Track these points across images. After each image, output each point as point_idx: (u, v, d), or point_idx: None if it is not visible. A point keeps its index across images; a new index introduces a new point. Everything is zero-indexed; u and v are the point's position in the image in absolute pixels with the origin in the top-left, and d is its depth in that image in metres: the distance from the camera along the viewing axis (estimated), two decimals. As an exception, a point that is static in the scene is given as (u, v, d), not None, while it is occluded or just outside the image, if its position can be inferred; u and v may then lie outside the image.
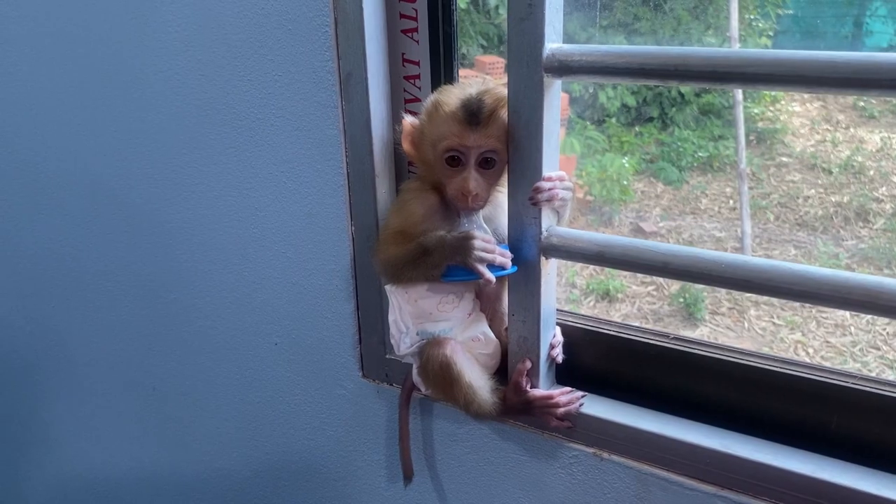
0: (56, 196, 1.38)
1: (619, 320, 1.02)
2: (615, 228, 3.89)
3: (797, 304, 3.28)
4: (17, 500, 1.90)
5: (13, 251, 1.51)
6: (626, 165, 4.07)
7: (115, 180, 1.28)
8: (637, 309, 3.42)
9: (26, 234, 1.47)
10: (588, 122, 4.30)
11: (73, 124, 1.28)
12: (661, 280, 3.53)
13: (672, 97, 4.39)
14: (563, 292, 3.50)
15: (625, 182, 4.00)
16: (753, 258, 0.78)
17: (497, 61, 4.18)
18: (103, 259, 1.38)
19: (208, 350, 1.32)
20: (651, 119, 4.44)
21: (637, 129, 4.43)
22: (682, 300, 3.37)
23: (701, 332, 3.23)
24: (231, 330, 1.27)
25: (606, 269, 3.59)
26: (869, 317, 3.17)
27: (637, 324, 1.01)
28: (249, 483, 1.40)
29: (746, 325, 3.27)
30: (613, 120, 4.36)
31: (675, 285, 3.46)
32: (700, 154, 4.23)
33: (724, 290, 3.39)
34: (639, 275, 3.55)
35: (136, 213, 1.29)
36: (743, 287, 0.79)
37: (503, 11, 4.22)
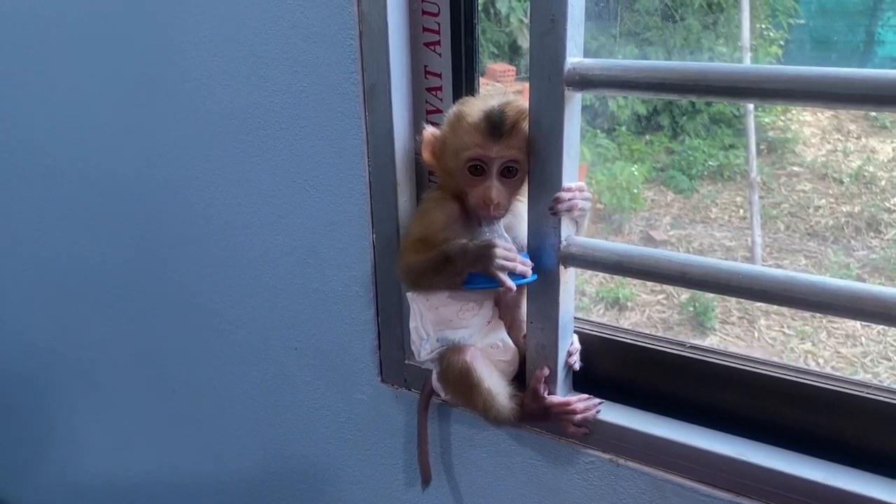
0: (81, 202, 1.40)
1: (628, 328, 1.03)
2: (625, 236, 3.89)
3: (808, 314, 3.27)
4: (38, 501, 1.92)
5: (38, 255, 1.54)
6: (637, 174, 4.07)
7: (140, 187, 1.30)
8: (647, 317, 3.42)
9: (51, 239, 1.50)
10: (598, 131, 4.30)
11: (100, 131, 1.31)
12: (670, 288, 3.53)
13: (683, 106, 4.39)
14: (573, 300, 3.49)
15: (635, 190, 4.00)
16: (770, 269, 0.80)
17: (508, 69, 4.20)
18: (127, 264, 1.40)
19: (229, 354, 1.34)
20: (661, 127, 4.43)
21: (647, 137, 4.43)
22: (692, 309, 3.37)
23: (711, 341, 3.22)
24: (252, 334, 1.29)
25: (616, 278, 3.60)
26: (880, 327, 3.17)
27: (649, 332, 1.02)
28: (267, 485, 1.41)
29: (756, 334, 3.27)
30: (624, 128, 4.36)
31: (684, 294, 3.46)
32: (710, 163, 4.23)
33: (734, 299, 3.39)
34: (648, 283, 3.55)
35: (160, 218, 1.31)
36: (760, 297, 0.80)
37: (514, 20, 4.24)
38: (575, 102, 0.85)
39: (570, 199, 0.86)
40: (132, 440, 1.61)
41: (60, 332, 1.60)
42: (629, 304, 3.48)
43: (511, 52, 4.38)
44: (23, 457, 1.88)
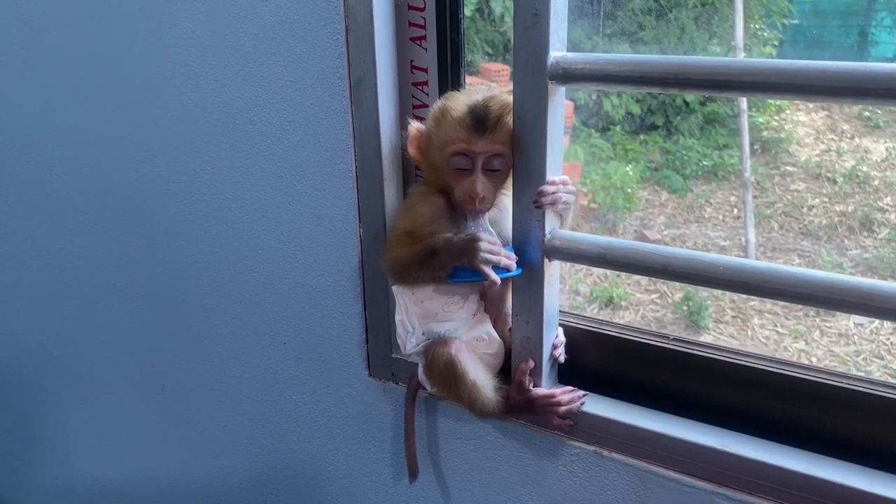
0: (69, 199, 1.41)
1: (613, 321, 1.04)
2: (619, 236, 3.90)
3: (801, 313, 3.29)
4: (28, 499, 1.92)
5: (26, 254, 1.54)
6: (631, 173, 4.08)
7: (128, 183, 1.31)
8: (641, 317, 3.43)
9: (39, 237, 1.50)
10: (593, 130, 4.32)
11: (87, 128, 1.31)
12: (664, 288, 3.54)
13: (677, 106, 4.40)
14: (567, 299, 3.51)
15: (629, 190, 4.01)
16: (751, 261, 0.80)
17: (502, 69, 4.21)
18: (114, 260, 1.41)
19: (217, 349, 1.34)
20: (656, 127, 4.45)
21: (642, 137, 4.44)
22: (685, 308, 3.38)
23: (704, 340, 3.23)
24: (240, 330, 1.29)
25: (610, 277, 3.61)
26: (873, 326, 3.18)
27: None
28: (257, 480, 1.42)
29: (750, 333, 3.28)
30: (618, 128, 4.37)
31: (678, 293, 3.47)
32: (705, 163, 4.25)
33: (727, 298, 3.40)
34: (643, 282, 3.56)
35: (147, 214, 1.31)
36: (741, 289, 0.81)
37: (508, 20, 4.25)
38: (558, 96, 0.86)
39: (553, 193, 0.87)
40: (122, 437, 1.61)
41: (50, 329, 1.60)
42: (623, 303, 3.49)
43: (505, 52, 4.39)
44: (12, 455, 1.88)
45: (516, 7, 0.83)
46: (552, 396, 0.96)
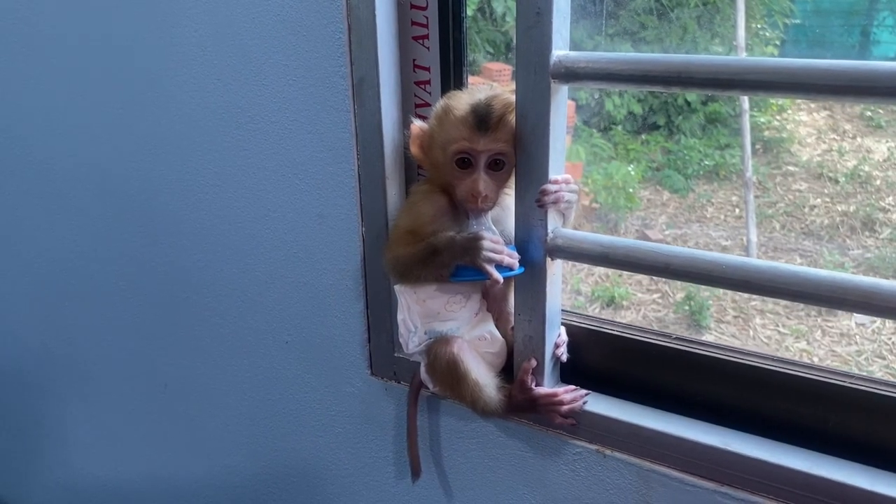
0: (71, 198, 1.41)
1: (615, 321, 1.04)
2: (621, 236, 3.90)
3: (802, 313, 3.29)
4: (30, 498, 1.92)
5: (28, 252, 1.54)
6: (632, 173, 4.08)
7: (131, 182, 1.31)
8: (642, 317, 3.43)
9: (41, 236, 1.50)
10: (594, 130, 4.32)
11: (89, 127, 1.31)
12: (666, 287, 3.54)
13: (678, 105, 4.40)
14: (569, 299, 3.51)
15: (630, 190, 4.01)
16: (752, 260, 0.80)
17: (504, 69, 4.21)
18: (116, 260, 1.41)
19: (219, 348, 1.34)
20: (657, 127, 4.45)
21: (643, 137, 4.44)
22: (687, 308, 3.38)
23: (706, 340, 3.22)
24: (242, 328, 1.29)
25: (612, 277, 3.61)
26: (874, 326, 3.18)
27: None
28: (259, 479, 1.42)
29: (752, 332, 3.27)
30: (620, 128, 4.37)
31: (680, 293, 3.47)
32: (706, 162, 4.25)
33: (729, 298, 3.40)
34: (644, 282, 3.56)
35: (149, 214, 1.32)
36: (743, 287, 0.81)
37: (510, 19, 4.25)
38: (561, 95, 0.86)
39: (556, 192, 0.87)
40: (124, 437, 1.61)
41: (51, 329, 1.60)
42: (625, 303, 3.49)
43: (507, 52, 4.39)
44: (14, 455, 1.88)
45: (518, 6, 0.83)
46: (554, 395, 0.96)
